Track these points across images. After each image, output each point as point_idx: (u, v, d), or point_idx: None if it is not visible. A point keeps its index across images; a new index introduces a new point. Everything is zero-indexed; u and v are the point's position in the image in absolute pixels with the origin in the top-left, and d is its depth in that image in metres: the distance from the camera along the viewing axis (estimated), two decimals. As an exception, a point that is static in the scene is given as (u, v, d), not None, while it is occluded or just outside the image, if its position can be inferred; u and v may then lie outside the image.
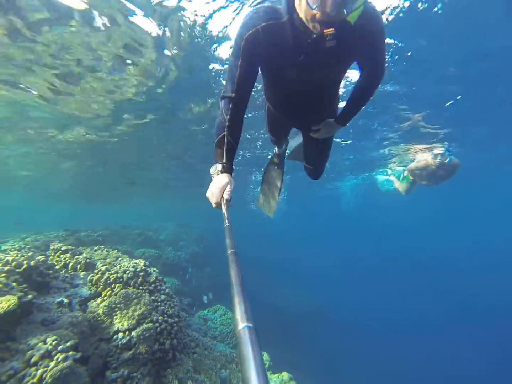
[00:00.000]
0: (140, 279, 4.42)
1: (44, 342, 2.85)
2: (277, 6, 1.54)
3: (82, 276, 4.42)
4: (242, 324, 0.57)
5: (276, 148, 3.23)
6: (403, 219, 43.16)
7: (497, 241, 45.87)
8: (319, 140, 2.41)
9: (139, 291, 4.28)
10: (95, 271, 4.38)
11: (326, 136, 2.36)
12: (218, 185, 1.50)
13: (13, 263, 3.51)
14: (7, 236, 7.85)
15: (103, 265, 4.45)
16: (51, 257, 4.43)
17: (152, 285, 4.53)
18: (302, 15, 1.39)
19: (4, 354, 2.56)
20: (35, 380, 2.45)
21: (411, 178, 8.05)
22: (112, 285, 4.21)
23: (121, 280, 4.28)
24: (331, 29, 1.31)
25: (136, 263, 4.60)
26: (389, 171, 13.36)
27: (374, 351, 12.23)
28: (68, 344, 3.01)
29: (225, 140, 1.58)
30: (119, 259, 5.16)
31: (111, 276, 4.25)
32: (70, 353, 2.93)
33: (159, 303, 4.40)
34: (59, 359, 2.75)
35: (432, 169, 7.23)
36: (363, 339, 12.99)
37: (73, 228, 10.10)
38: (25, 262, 3.63)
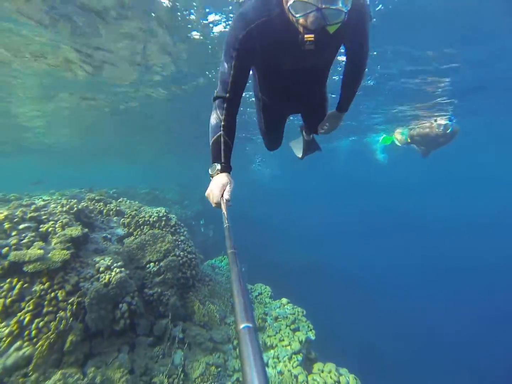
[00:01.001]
0: (163, 222, 5.53)
1: (104, 259, 3.98)
2: None
3: (115, 220, 5.51)
4: (242, 324, 0.58)
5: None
6: (395, 177, 44.53)
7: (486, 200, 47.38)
8: (314, 107, 2.55)
9: (163, 231, 5.39)
10: (126, 215, 5.47)
11: (335, 129, 2.54)
12: (218, 184, 1.52)
13: (67, 206, 4.56)
14: (33, 194, 8.81)
15: (131, 211, 5.52)
16: (88, 205, 5.48)
17: (173, 228, 5.65)
18: (289, 15, 1.52)
19: (81, 264, 3.68)
20: (106, 280, 3.60)
21: (409, 140, 8.76)
22: (141, 227, 5.31)
23: (148, 222, 5.38)
24: (311, 35, 1.46)
25: (158, 210, 5.69)
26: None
27: (367, 301, 13.81)
28: (119, 263, 4.15)
29: (222, 139, 1.62)
30: (141, 208, 6.22)
31: (139, 220, 5.34)
32: (122, 268, 4.07)
33: (179, 242, 5.54)
34: (117, 271, 3.89)
35: (433, 137, 7.72)
36: (357, 291, 14.54)
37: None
38: (74, 205, 4.68)
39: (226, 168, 1.60)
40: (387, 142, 10.87)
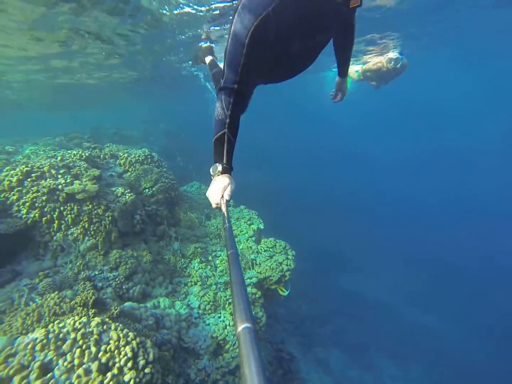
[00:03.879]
0: (149, 159, 7.52)
1: (117, 189, 6.06)
2: None
3: (111, 162, 7.41)
4: (241, 324, 0.59)
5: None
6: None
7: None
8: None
9: (151, 166, 7.41)
10: (120, 157, 7.35)
11: (345, 93, 2.80)
12: (219, 186, 1.57)
13: (78, 155, 6.39)
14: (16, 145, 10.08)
15: (123, 154, 7.40)
16: (91, 152, 7.24)
17: (157, 163, 7.68)
18: None
19: (104, 193, 5.75)
20: (124, 201, 5.76)
21: (362, 77, 9.22)
22: (134, 164, 7.28)
23: (138, 161, 7.35)
24: None
25: (143, 150, 7.61)
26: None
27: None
28: (128, 190, 6.25)
29: (225, 138, 1.62)
30: (126, 150, 8.05)
31: (132, 159, 7.28)
32: (132, 193, 6.19)
33: (163, 173, 7.64)
34: (129, 195, 6.02)
35: (384, 72, 8.21)
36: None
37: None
38: (83, 154, 6.50)
39: (227, 170, 1.64)
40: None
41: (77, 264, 4.85)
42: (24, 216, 4.96)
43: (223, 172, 1.62)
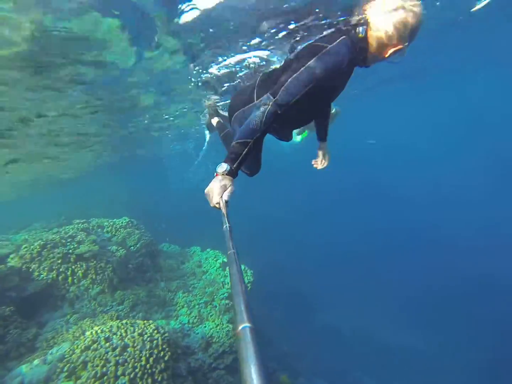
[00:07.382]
0: (130, 224, 9.12)
1: (111, 248, 7.53)
2: (352, 37, 1.80)
3: (99, 230, 8.86)
4: (242, 324, 0.59)
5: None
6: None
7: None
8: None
9: (132, 229, 8.98)
10: (106, 226, 8.86)
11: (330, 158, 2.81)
12: (220, 185, 1.55)
13: (76, 228, 7.83)
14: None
15: (108, 223, 8.93)
16: (84, 225, 8.63)
17: (136, 226, 9.30)
18: (379, 53, 1.83)
19: (102, 251, 7.21)
20: (119, 256, 7.23)
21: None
22: (119, 229, 8.82)
23: (122, 226, 8.90)
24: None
25: (124, 218, 9.21)
26: None
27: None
28: (120, 247, 7.72)
29: (248, 146, 1.63)
30: (110, 220, 9.55)
31: (116, 225, 8.84)
32: (124, 249, 7.67)
33: (143, 233, 9.21)
34: (121, 251, 7.50)
35: None
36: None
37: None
38: (80, 226, 7.96)
39: (233, 174, 1.63)
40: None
41: (92, 304, 6.16)
42: (44, 278, 6.25)
43: (228, 174, 1.61)
